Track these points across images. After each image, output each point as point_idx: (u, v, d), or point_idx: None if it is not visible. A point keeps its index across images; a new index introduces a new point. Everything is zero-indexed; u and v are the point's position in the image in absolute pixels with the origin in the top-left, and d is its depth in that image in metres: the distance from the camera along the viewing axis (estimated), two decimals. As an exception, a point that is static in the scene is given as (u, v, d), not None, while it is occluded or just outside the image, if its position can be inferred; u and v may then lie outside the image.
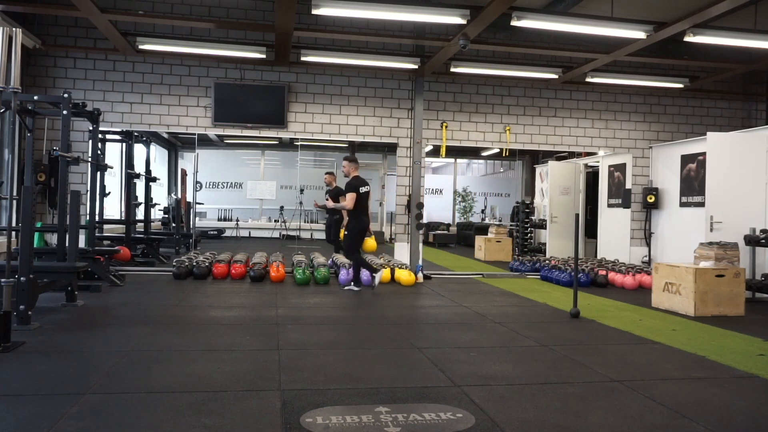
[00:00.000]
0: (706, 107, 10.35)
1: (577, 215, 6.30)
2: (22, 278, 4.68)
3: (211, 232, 15.68)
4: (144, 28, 8.31)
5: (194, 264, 8.13)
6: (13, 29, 4.56)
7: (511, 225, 13.98)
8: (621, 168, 10.33)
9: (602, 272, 8.36)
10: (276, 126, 9.03)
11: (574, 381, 3.64)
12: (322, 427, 2.78)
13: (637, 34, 7.40)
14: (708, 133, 7.92)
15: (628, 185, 10.07)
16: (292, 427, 2.77)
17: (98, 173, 8.13)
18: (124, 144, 10.58)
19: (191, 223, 12.64)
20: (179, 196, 12.58)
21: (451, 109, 9.52)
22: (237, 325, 5.11)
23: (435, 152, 11.57)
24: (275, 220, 15.93)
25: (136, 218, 10.54)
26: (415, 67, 8.77)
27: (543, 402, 3.22)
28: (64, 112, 6.09)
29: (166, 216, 13.86)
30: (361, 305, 6.35)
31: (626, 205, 10.07)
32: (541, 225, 12.34)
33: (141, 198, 10.60)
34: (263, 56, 8.40)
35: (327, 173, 10.39)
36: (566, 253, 10.86)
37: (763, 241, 6.98)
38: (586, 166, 11.89)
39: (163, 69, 8.76)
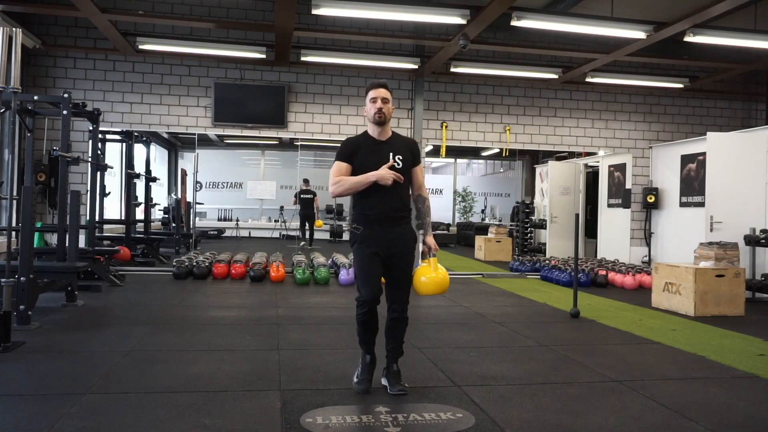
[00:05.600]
0: (706, 107, 10.36)
1: (577, 215, 6.30)
2: (22, 278, 4.68)
3: (211, 232, 15.68)
4: (144, 28, 8.32)
5: (194, 264, 8.13)
6: (13, 29, 4.56)
7: (511, 225, 13.99)
8: (621, 168, 10.33)
9: (602, 272, 8.35)
10: (276, 126, 9.03)
11: (574, 381, 3.64)
12: (322, 427, 2.78)
13: (637, 34, 7.41)
14: (708, 133, 7.92)
15: (628, 185, 10.07)
16: (292, 427, 2.77)
17: (98, 173, 8.13)
18: (124, 144, 10.58)
19: (191, 223, 12.63)
20: (179, 196, 12.58)
21: (451, 109, 9.52)
22: (237, 325, 5.11)
23: (435, 152, 11.58)
24: (275, 220, 15.94)
25: (136, 218, 10.54)
26: (415, 67, 8.78)
27: (543, 402, 3.21)
28: (64, 112, 6.09)
29: (166, 216, 13.87)
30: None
31: (626, 205, 10.07)
32: (541, 225, 12.33)
33: (141, 198, 10.60)
34: (263, 56, 8.40)
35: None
36: (566, 253, 10.86)
37: (763, 241, 6.97)
38: (586, 166, 11.89)
39: (163, 69, 8.77)
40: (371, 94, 3.42)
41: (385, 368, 3.36)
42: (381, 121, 3.34)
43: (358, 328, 3.32)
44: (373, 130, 3.39)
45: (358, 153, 3.31)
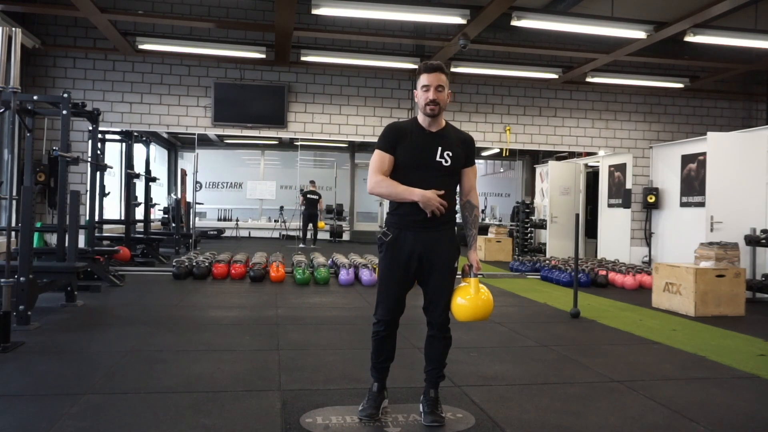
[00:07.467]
0: (706, 107, 10.35)
1: (577, 215, 6.30)
2: (21, 278, 4.67)
3: (211, 232, 15.68)
4: (144, 28, 8.31)
5: (194, 264, 8.12)
6: (13, 29, 4.56)
7: (511, 225, 13.98)
8: (621, 168, 10.32)
9: (602, 272, 8.35)
10: (276, 126, 9.03)
11: (574, 381, 3.64)
12: (322, 427, 2.78)
13: (638, 34, 7.40)
14: (708, 133, 7.91)
15: (629, 185, 10.07)
16: (292, 427, 2.76)
17: (98, 173, 8.12)
18: (123, 144, 10.58)
19: (191, 223, 12.63)
20: (179, 196, 12.58)
21: (451, 109, 9.51)
22: (237, 326, 5.11)
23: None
24: (275, 220, 15.94)
25: (136, 218, 10.54)
26: (415, 67, 8.74)
27: (543, 402, 3.21)
28: (64, 112, 6.08)
29: (166, 216, 13.87)
30: (361, 305, 6.35)
31: (626, 205, 10.06)
32: (541, 225, 12.33)
33: (141, 198, 10.60)
34: (263, 56, 8.40)
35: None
36: (566, 253, 10.85)
37: (764, 241, 6.97)
38: (586, 166, 11.89)
39: (162, 69, 8.76)
40: (424, 79, 2.85)
41: (423, 393, 2.95)
42: (433, 114, 2.83)
43: (372, 347, 2.95)
44: (423, 119, 2.89)
45: (402, 142, 2.84)
